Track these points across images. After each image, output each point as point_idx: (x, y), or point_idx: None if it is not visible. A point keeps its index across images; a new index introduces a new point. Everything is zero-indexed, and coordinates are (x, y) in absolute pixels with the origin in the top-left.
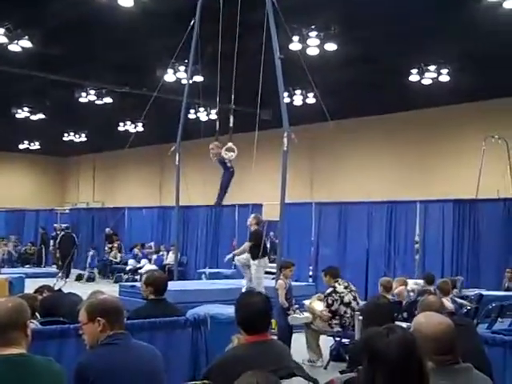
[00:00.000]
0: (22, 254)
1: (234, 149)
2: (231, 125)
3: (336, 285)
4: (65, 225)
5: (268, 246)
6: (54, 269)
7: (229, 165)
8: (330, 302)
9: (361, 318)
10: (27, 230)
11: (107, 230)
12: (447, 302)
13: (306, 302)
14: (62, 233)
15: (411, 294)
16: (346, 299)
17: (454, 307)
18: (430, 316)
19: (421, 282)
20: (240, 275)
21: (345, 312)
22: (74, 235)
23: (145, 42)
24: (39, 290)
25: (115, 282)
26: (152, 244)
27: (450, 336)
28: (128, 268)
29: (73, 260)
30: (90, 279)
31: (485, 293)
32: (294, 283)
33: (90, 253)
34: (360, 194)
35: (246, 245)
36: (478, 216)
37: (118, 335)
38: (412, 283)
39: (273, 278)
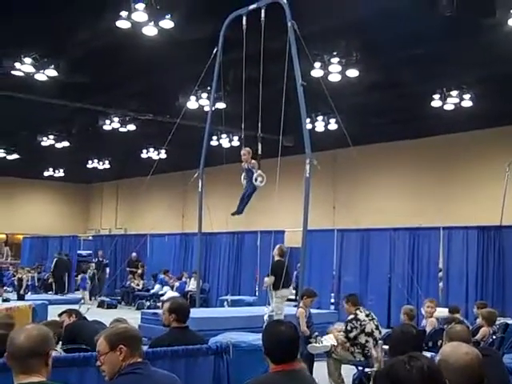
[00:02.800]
0: (44, 281)
1: (263, 176)
2: (259, 152)
3: (358, 312)
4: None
5: (294, 276)
6: (77, 295)
7: (255, 175)
8: (349, 328)
9: (386, 346)
10: (51, 256)
11: (133, 254)
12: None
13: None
14: (56, 258)
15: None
16: (368, 328)
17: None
18: (457, 346)
19: (445, 310)
20: (262, 302)
21: (366, 341)
22: (69, 259)
23: (168, 69)
24: (68, 312)
25: (137, 308)
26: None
27: (477, 367)
28: (150, 294)
29: (66, 283)
30: (112, 306)
31: (510, 322)
32: (315, 311)
33: (80, 276)
34: (382, 220)
35: (268, 280)
36: (502, 243)
37: (138, 364)
38: (437, 312)
39: (294, 306)
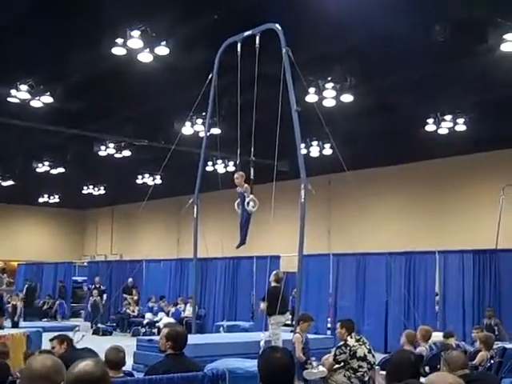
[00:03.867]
0: (39, 308)
1: (256, 201)
2: (252, 177)
3: (348, 338)
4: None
5: (290, 301)
6: (71, 322)
7: (247, 200)
8: (337, 353)
9: (383, 372)
10: (45, 282)
11: (129, 280)
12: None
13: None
14: (27, 284)
15: (433, 346)
16: (360, 353)
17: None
18: (443, 376)
19: (440, 334)
20: (258, 328)
21: (359, 366)
22: (63, 286)
23: (163, 95)
24: (59, 339)
25: (132, 335)
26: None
27: None
28: (145, 321)
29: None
30: (108, 333)
31: (508, 346)
32: (312, 336)
33: (57, 302)
34: (378, 244)
35: (262, 305)
36: (498, 267)
37: None
38: (433, 336)
39: (291, 331)
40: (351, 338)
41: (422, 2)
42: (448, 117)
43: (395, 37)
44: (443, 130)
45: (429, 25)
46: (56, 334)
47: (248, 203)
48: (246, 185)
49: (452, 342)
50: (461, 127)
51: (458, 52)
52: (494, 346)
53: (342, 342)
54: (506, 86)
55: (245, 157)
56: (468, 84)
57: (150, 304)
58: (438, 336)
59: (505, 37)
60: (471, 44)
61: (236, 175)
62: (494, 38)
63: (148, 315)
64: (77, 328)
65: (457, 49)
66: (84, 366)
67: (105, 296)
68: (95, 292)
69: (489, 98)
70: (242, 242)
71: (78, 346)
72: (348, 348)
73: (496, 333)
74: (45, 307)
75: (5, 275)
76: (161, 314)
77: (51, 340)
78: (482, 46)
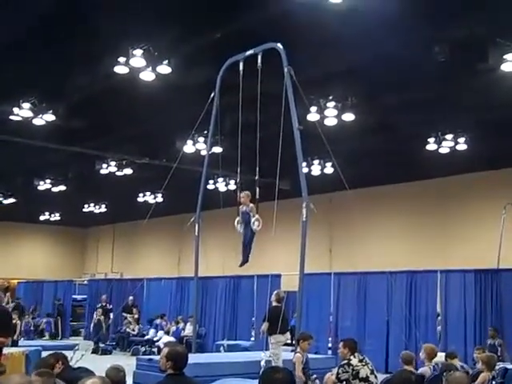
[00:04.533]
0: (38, 326)
1: (260, 220)
2: (257, 196)
3: (351, 358)
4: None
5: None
6: (71, 341)
7: (252, 219)
8: (340, 371)
9: None
10: (46, 301)
11: (130, 299)
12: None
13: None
14: (14, 303)
15: (435, 367)
16: (362, 373)
17: None
18: None
19: (442, 354)
20: (259, 347)
21: None
22: (61, 304)
23: (165, 114)
24: (54, 357)
25: (132, 354)
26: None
27: None
28: (145, 339)
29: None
30: (107, 352)
31: (510, 367)
32: (312, 356)
33: (44, 320)
34: (379, 263)
35: (263, 325)
36: (500, 286)
37: None
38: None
39: (292, 351)
40: (354, 357)
41: (423, 22)
42: (449, 136)
43: (396, 56)
44: (444, 149)
45: (430, 45)
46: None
47: (253, 223)
48: (251, 204)
49: (456, 362)
50: (462, 146)
51: (458, 72)
52: (496, 367)
53: (345, 361)
54: (506, 106)
55: (246, 175)
56: (469, 103)
57: (158, 321)
58: (440, 356)
59: (505, 57)
60: (472, 64)
61: (242, 194)
62: (494, 58)
63: (151, 332)
64: (76, 347)
65: (458, 69)
66: (91, 383)
67: (111, 315)
68: (99, 311)
69: (490, 117)
70: (245, 260)
71: (79, 365)
72: (351, 367)
73: (498, 353)
74: (41, 326)
75: (7, 294)
76: (160, 333)
77: (46, 357)
78: (482, 66)
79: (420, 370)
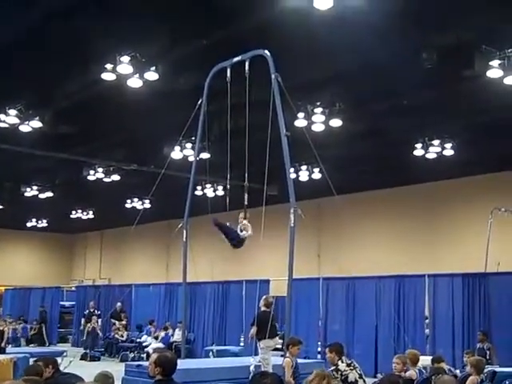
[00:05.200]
0: (26, 334)
1: (249, 227)
2: (246, 202)
3: (339, 363)
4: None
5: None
6: (59, 348)
7: (240, 226)
8: None
9: None
10: (33, 308)
11: (118, 305)
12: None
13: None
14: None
15: (423, 371)
16: (351, 377)
17: None
18: None
19: (429, 358)
20: (248, 352)
21: None
22: (45, 311)
23: (152, 120)
24: (44, 362)
25: (121, 360)
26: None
27: None
28: (134, 345)
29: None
30: (96, 358)
31: (498, 369)
32: (302, 360)
33: (21, 325)
34: (368, 268)
35: (252, 331)
36: (488, 290)
37: None
38: (423, 360)
39: (281, 355)
40: (342, 362)
41: (411, 29)
42: (436, 141)
43: (384, 62)
44: (431, 155)
45: (417, 51)
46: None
47: (241, 229)
48: (245, 221)
49: (443, 366)
50: (449, 151)
51: (445, 78)
52: (485, 370)
53: (333, 367)
54: (492, 111)
55: (234, 181)
56: (456, 109)
57: (152, 328)
58: (427, 360)
59: (491, 63)
60: (458, 70)
61: (241, 214)
62: (480, 65)
63: (144, 337)
64: (65, 354)
65: (444, 75)
66: None
67: (99, 321)
68: (94, 318)
69: (476, 122)
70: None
71: (67, 371)
72: (339, 373)
73: (487, 357)
74: (31, 333)
75: None
76: (149, 339)
77: (35, 361)
78: (469, 72)
79: (407, 374)
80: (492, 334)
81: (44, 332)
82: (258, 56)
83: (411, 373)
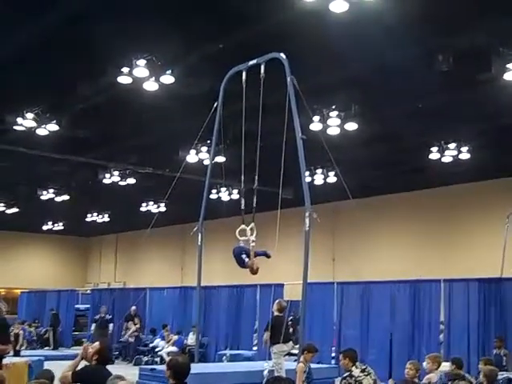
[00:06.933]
0: (41, 336)
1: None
2: (254, 205)
3: (353, 369)
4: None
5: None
6: (73, 351)
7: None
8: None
9: None
10: (48, 311)
11: (132, 308)
12: None
13: None
14: (52, 312)
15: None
16: (365, 383)
17: None
18: None
19: (447, 364)
20: (262, 357)
21: None
22: (56, 314)
23: (168, 123)
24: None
25: (135, 364)
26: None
27: None
28: (147, 349)
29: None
30: (109, 361)
31: None
32: (315, 365)
33: (37, 328)
34: (383, 272)
35: (265, 335)
36: (504, 295)
37: None
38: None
39: (295, 360)
40: (356, 368)
41: (426, 31)
42: (452, 145)
43: (399, 65)
44: (447, 159)
45: (433, 54)
46: (59, 363)
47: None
48: (252, 243)
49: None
50: (465, 155)
51: (461, 81)
52: (499, 377)
53: (347, 373)
54: (509, 115)
55: (249, 185)
56: (472, 112)
57: (165, 333)
58: (443, 366)
59: (508, 66)
60: (475, 73)
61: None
62: (497, 68)
63: (157, 341)
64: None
65: (460, 78)
66: None
67: (111, 326)
68: (111, 325)
69: (492, 126)
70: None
71: None
72: (353, 379)
73: (503, 363)
74: (46, 336)
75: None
76: (161, 343)
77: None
78: (485, 75)
79: (427, 376)
80: (508, 339)
81: (51, 335)
82: (273, 59)
83: (432, 375)
